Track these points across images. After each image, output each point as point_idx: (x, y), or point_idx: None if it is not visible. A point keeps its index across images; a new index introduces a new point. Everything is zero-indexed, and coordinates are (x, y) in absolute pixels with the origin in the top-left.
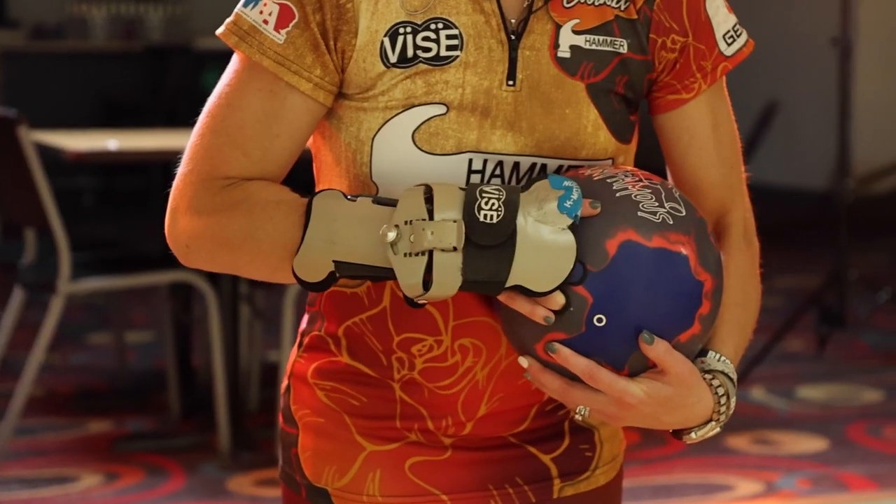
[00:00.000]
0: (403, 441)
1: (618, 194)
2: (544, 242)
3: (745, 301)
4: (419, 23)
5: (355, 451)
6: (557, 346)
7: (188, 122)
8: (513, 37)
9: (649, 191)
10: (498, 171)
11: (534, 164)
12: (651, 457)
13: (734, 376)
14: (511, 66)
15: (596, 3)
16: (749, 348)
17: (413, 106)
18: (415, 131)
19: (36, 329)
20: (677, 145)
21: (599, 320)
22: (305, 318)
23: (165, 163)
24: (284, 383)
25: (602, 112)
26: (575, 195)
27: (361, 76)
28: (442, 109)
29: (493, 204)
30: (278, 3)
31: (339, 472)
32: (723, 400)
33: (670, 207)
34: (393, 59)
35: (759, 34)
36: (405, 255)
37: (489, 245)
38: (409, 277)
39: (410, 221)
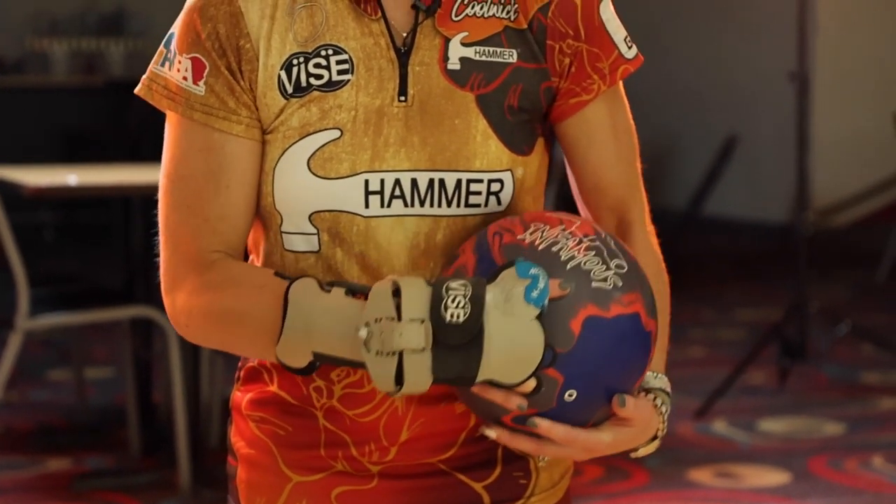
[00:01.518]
0: (329, 471)
1: (568, 266)
2: (513, 336)
3: (662, 302)
4: (310, 51)
5: (282, 482)
6: (538, 421)
7: (151, 156)
8: (402, 49)
9: (593, 252)
10: (397, 191)
11: (431, 180)
12: (614, 491)
13: (668, 388)
14: (402, 82)
15: (485, 16)
16: (711, 381)
17: (308, 134)
18: (310, 158)
19: None
20: (577, 147)
21: (570, 395)
22: None
23: (126, 197)
24: (229, 417)
25: (492, 122)
26: (542, 283)
27: (266, 112)
28: (336, 134)
29: (459, 301)
30: (189, 58)
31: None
32: (665, 417)
33: (616, 266)
34: (290, 89)
35: (718, 69)
36: (377, 353)
37: (457, 345)
38: (381, 375)
39: (380, 319)
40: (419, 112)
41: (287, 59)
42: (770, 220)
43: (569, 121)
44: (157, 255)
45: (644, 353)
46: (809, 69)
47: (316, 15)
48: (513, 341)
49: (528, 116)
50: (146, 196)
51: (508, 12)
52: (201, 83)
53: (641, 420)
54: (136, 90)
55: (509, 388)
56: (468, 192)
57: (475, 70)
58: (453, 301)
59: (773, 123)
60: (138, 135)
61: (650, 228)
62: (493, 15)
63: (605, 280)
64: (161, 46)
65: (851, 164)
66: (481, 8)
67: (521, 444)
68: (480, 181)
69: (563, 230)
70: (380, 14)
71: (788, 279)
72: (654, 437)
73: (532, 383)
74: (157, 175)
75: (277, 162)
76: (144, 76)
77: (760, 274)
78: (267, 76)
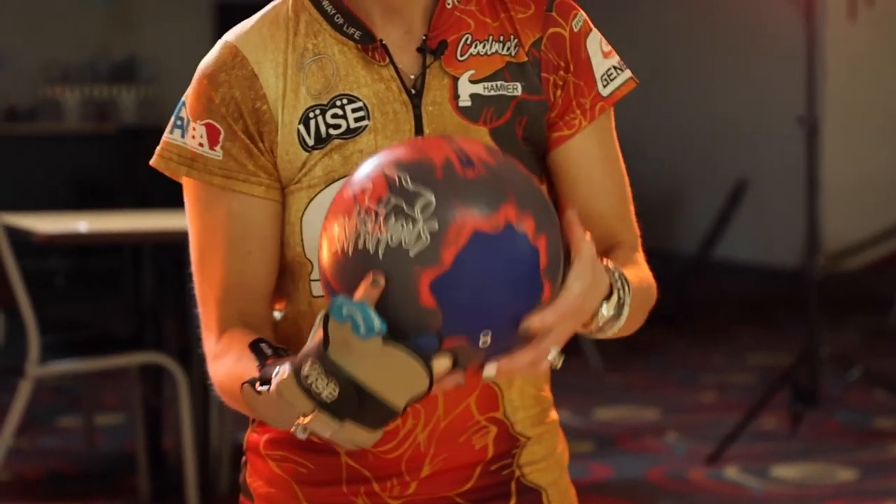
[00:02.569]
0: None
1: (380, 254)
2: (383, 369)
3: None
4: (325, 103)
5: None
6: (492, 367)
7: (161, 203)
8: (413, 91)
9: (394, 216)
10: None
11: None
12: None
13: (627, 278)
14: (417, 122)
15: (488, 53)
16: (722, 426)
17: (334, 181)
18: None
19: (3, 413)
20: (566, 179)
21: (484, 342)
22: None
23: (137, 244)
24: (243, 458)
25: (509, 153)
26: (359, 318)
27: (289, 168)
28: None
29: (320, 382)
30: (203, 124)
31: None
32: (616, 275)
33: (422, 210)
34: (310, 142)
35: (727, 113)
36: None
37: (354, 408)
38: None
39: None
40: None
41: (304, 113)
42: (780, 265)
43: (554, 153)
44: (167, 302)
45: (517, 255)
46: (818, 113)
47: (326, 67)
48: (389, 371)
49: (535, 147)
50: (156, 243)
51: (509, 48)
52: (218, 148)
53: (568, 308)
54: (152, 162)
55: (431, 387)
56: None
57: (486, 105)
58: (317, 385)
59: (782, 167)
60: (149, 182)
61: (641, 257)
62: (496, 52)
63: (418, 237)
64: (172, 117)
65: (861, 207)
66: (484, 46)
67: (519, 361)
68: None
69: (359, 212)
70: (388, 60)
71: (799, 324)
72: (611, 293)
73: (447, 364)
74: (167, 222)
75: (304, 211)
76: (158, 147)
77: (771, 318)
78: (286, 133)
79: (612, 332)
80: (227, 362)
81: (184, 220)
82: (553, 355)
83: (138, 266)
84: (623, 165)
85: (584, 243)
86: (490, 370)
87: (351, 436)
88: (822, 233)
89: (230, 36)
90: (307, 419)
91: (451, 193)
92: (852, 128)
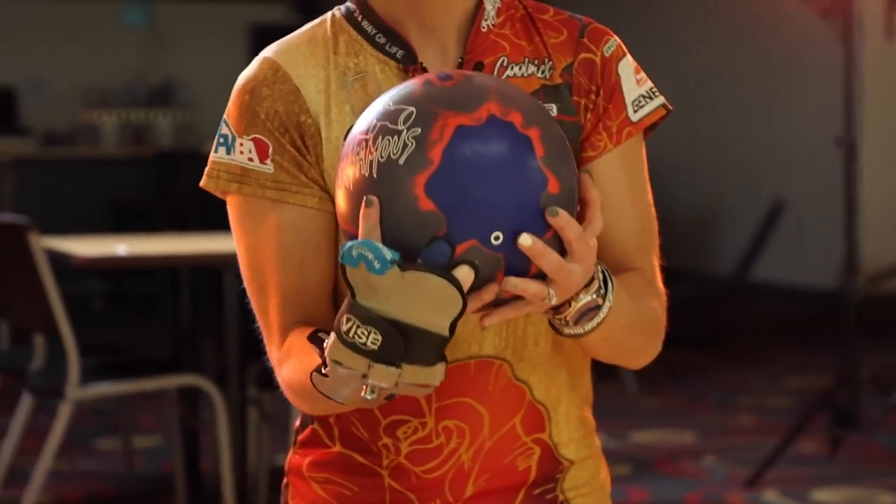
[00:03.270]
0: None
1: (374, 174)
2: (416, 299)
3: (642, 308)
4: None
5: None
6: (510, 281)
7: (197, 226)
8: None
9: (381, 135)
10: None
11: None
12: None
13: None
14: None
15: (524, 75)
16: (761, 450)
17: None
18: None
19: (43, 435)
20: None
21: (496, 238)
22: (299, 417)
23: (174, 267)
24: (284, 481)
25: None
26: (370, 255)
27: (333, 182)
28: None
29: (360, 333)
30: (250, 139)
31: None
32: (600, 269)
33: (405, 121)
34: None
35: (764, 134)
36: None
37: (404, 349)
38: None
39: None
40: None
41: (349, 129)
42: (818, 286)
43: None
44: (205, 325)
45: (506, 143)
46: (856, 134)
47: (369, 85)
48: (418, 297)
49: None
50: (194, 266)
51: (543, 71)
52: (268, 161)
53: (587, 246)
54: (201, 183)
55: (466, 301)
56: None
57: None
58: (359, 337)
59: (819, 188)
60: (185, 205)
61: (656, 286)
62: (532, 74)
63: (404, 145)
64: (216, 137)
65: None
66: (520, 68)
67: (548, 256)
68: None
69: (354, 147)
70: None
71: (838, 346)
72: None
73: (466, 272)
74: (204, 245)
75: None
76: (206, 168)
77: (809, 340)
78: (332, 148)
79: (586, 331)
80: (291, 363)
81: (220, 244)
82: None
83: (176, 289)
84: (650, 196)
85: (597, 212)
86: (509, 283)
87: (414, 378)
88: (860, 254)
89: (269, 52)
90: (369, 378)
91: (431, 101)
92: (890, 148)
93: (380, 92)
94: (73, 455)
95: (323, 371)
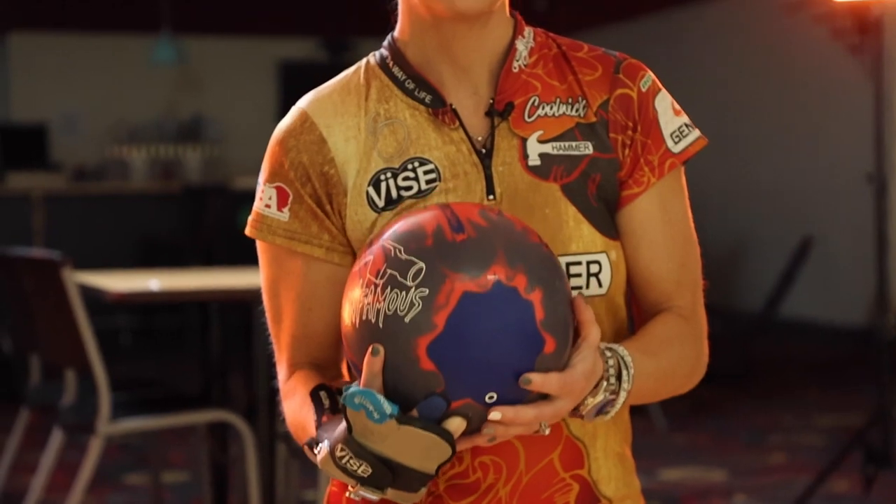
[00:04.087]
0: None
1: (380, 324)
2: (408, 447)
3: (665, 341)
4: (397, 167)
5: None
6: (496, 413)
7: (225, 261)
8: (483, 151)
9: (389, 286)
10: None
11: None
12: None
13: (628, 358)
14: (488, 182)
15: (556, 115)
16: (792, 488)
17: None
18: None
19: (74, 470)
20: (631, 239)
21: (490, 398)
22: None
23: (204, 302)
24: None
25: (580, 208)
26: (370, 405)
27: (359, 228)
28: None
29: (352, 464)
30: (274, 187)
31: None
32: (611, 363)
33: (413, 277)
34: (381, 203)
35: (793, 169)
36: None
37: (393, 481)
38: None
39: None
40: (509, 207)
41: (374, 175)
42: (849, 323)
43: (622, 212)
44: (234, 360)
45: (508, 311)
46: (887, 170)
47: (398, 131)
48: (410, 446)
49: (607, 205)
50: (223, 300)
51: (577, 109)
52: (285, 210)
53: (571, 383)
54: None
55: (456, 449)
56: (568, 276)
57: (555, 163)
58: (351, 465)
59: (849, 224)
60: (212, 239)
61: (694, 323)
62: (564, 113)
63: (411, 304)
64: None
65: None
66: (551, 108)
67: (523, 416)
68: (579, 263)
69: (363, 285)
70: (458, 123)
71: (869, 384)
72: (601, 380)
73: (459, 424)
74: (234, 280)
75: None
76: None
77: (839, 378)
78: (355, 194)
79: (607, 418)
80: (293, 404)
81: (249, 279)
82: (543, 425)
83: (205, 324)
84: (691, 228)
85: (592, 327)
86: (495, 414)
87: (396, 497)
88: (891, 291)
89: (302, 102)
90: (355, 489)
91: (440, 259)
92: None
93: (408, 138)
94: (102, 490)
95: (314, 451)
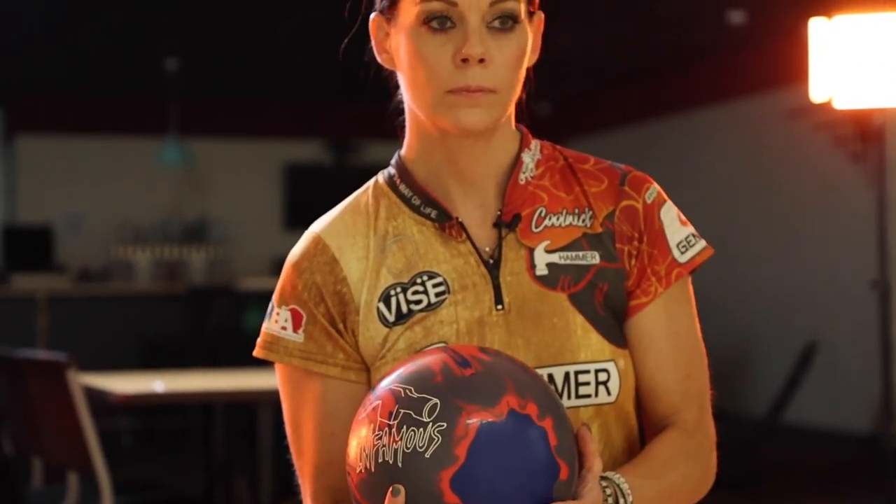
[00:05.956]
0: None
1: (399, 463)
2: None
3: (672, 472)
4: (406, 281)
5: None
6: None
7: (228, 362)
8: (491, 262)
9: (405, 425)
10: None
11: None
12: None
13: (626, 490)
14: (496, 293)
15: (563, 225)
16: None
17: (416, 351)
18: None
19: None
20: (638, 349)
21: None
22: None
23: (208, 404)
24: None
25: (588, 317)
26: None
27: (371, 344)
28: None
29: None
30: (289, 309)
31: None
32: (608, 492)
33: (429, 413)
34: (391, 318)
35: (797, 275)
36: None
37: None
38: None
39: None
40: (518, 317)
41: (384, 291)
42: (854, 430)
43: (629, 322)
44: (238, 462)
45: (525, 438)
46: (891, 276)
47: (406, 247)
48: None
49: (614, 314)
50: (228, 402)
51: (584, 220)
52: (300, 331)
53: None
54: (254, 353)
55: None
56: (577, 384)
57: (563, 273)
58: None
59: (854, 330)
60: (216, 341)
61: (700, 437)
62: (571, 224)
63: (431, 439)
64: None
65: None
66: (558, 218)
67: None
68: (587, 371)
69: (374, 429)
70: (465, 236)
71: (875, 491)
72: None
73: None
74: (239, 382)
75: None
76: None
77: (846, 485)
78: (367, 311)
79: None
80: None
81: (253, 380)
82: None
83: (208, 426)
84: (698, 338)
85: (595, 459)
86: None
87: None
88: None
89: (315, 226)
90: None
91: (453, 393)
92: None
93: (417, 253)
94: None
95: None
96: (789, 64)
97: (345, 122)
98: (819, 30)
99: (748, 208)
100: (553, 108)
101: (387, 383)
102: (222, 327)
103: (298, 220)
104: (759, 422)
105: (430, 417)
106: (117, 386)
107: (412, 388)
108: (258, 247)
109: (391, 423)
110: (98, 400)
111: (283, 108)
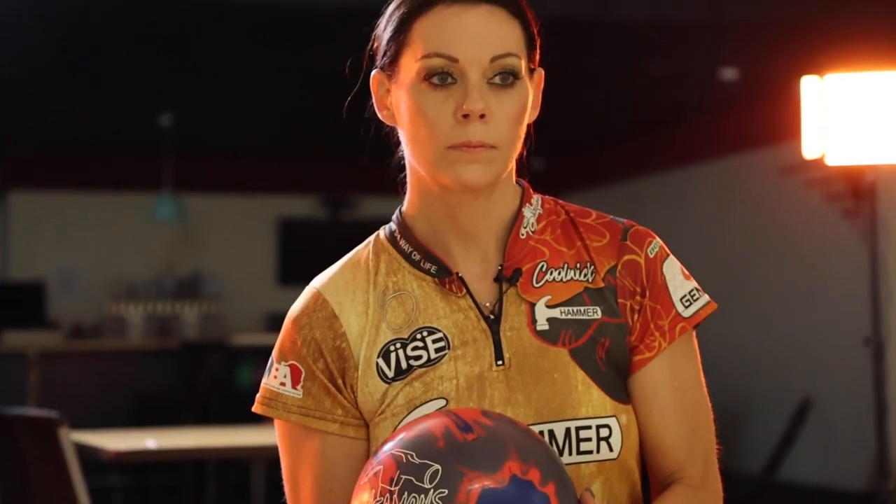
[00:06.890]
0: None
1: None
2: None
3: None
4: (406, 337)
5: None
6: None
7: (221, 418)
8: (491, 317)
9: (406, 491)
10: None
11: (541, 433)
12: None
13: None
14: (497, 348)
15: (564, 280)
16: None
17: (416, 407)
18: None
19: None
20: (642, 405)
21: None
22: None
23: (200, 460)
24: None
25: (589, 372)
26: None
27: (370, 400)
28: (441, 403)
29: None
30: (288, 365)
31: None
32: None
33: (429, 479)
34: (390, 374)
35: (791, 333)
36: None
37: None
38: None
39: None
40: (518, 372)
41: (383, 347)
42: (848, 487)
43: (633, 378)
44: None
45: None
46: (884, 334)
47: (406, 303)
48: None
49: (616, 369)
50: (220, 459)
51: (586, 275)
52: (299, 387)
53: None
54: (253, 409)
55: None
56: (578, 440)
57: (564, 328)
58: None
59: (847, 387)
60: (208, 397)
61: (704, 493)
62: (572, 279)
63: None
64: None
65: None
66: (559, 273)
67: None
68: (589, 427)
69: (375, 497)
70: (465, 290)
71: None
72: None
73: None
74: (230, 439)
75: None
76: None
77: None
78: (366, 367)
79: None
80: None
81: (246, 437)
82: None
83: (201, 482)
84: (703, 392)
85: None
86: None
87: None
88: (891, 455)
89: (315, 282)
90: None
91: (455, 458)
92: None
93: (416, 308)
94: None
95: None
96: (781, 121)
97: (339, 178)
98: (811, 88)
99: (741, 264)
100: (546, 164)
101: (388, 448)
102: (215, 383)
103: (292, 275)
104: (754, 479)
105: (431, 484)
106: (109, 443)
107: (414, 454)
108: (252, 302)
109: (392, 489)
110: (90, 457)
111: (277, 164)
